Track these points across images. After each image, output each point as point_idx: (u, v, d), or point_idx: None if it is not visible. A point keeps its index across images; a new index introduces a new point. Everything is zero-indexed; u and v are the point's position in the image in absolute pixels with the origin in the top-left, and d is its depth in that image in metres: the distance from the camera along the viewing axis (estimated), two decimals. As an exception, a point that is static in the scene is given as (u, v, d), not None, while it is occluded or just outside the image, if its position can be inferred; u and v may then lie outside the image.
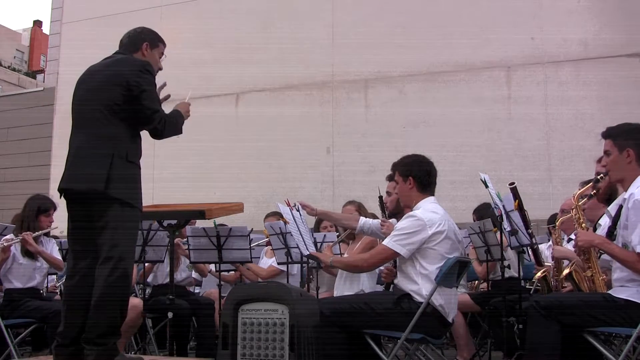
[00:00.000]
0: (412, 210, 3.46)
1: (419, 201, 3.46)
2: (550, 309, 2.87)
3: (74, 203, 3.20)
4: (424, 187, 3.48)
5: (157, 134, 3.24)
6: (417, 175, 3.48)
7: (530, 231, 4.02)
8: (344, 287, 4.44)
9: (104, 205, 3.08)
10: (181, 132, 3.34)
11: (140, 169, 3.25)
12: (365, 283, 4.36)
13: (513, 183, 3.97)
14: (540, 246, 4.35)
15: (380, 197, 4.31)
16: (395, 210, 4.23)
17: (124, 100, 3.11)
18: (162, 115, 3.20)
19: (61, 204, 3.42)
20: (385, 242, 3.36)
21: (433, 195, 3.52)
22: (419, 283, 3.26)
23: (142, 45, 3.36)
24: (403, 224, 3.34)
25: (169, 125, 3.24)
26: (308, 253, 3.94)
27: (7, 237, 4.62)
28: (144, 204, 3.27)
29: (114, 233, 3.07)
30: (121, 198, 3.09)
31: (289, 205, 4.09)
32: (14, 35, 39.73)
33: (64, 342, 3.11)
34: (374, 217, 4.95)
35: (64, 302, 3.23)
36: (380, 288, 4.45)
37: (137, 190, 3.20)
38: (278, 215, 5.27)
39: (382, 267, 4.12)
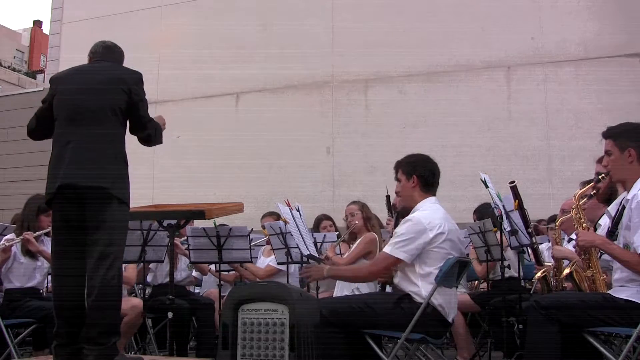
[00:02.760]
0: (412, 211, 3.45)
1: (420, 201, 3.44)
2: (550, 309, 2.87)
3: (69, 201, 3.18)
4: (427, 186, 3.45)
5: (149, 140, 3.44)
6: (421, 174, 3.44)
7: (530, 230, 4.01)
8: (343, 283, 4.46)
9: (104, 203, 3.12)
10: (162, 142, 3.54)
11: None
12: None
13: (513, 182, 3.96)
14: (540, 246, 4.35)
15: (388, 197, 4.30)
16: (404, 209, 4.21)
17: (126, 105, 3.28)
18: (154, 124, 3.43)
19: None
20: (386, 249, 3.33)
21: (434, 195, 3.50)
22: (419, 285, 3.25)
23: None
24: (402, 230, 3.30)
25: (159, 133, 3.47)
26: (308, 253, 3.94)
27: (8, 237, 4.62)
28: (143, 204, 3.30)
29: (110, 232, 3.11)
30: (120, 197, 3.17)
31: (289, 205, 4.09)
32: (14, 35, 39.74)
33: (63, 342, 3.11)
34: (377, 218, 4.95)
35: (56, 304, 3.21)
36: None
37: (129, 189, 3.29)
38: (275, 215, 5.27)
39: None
